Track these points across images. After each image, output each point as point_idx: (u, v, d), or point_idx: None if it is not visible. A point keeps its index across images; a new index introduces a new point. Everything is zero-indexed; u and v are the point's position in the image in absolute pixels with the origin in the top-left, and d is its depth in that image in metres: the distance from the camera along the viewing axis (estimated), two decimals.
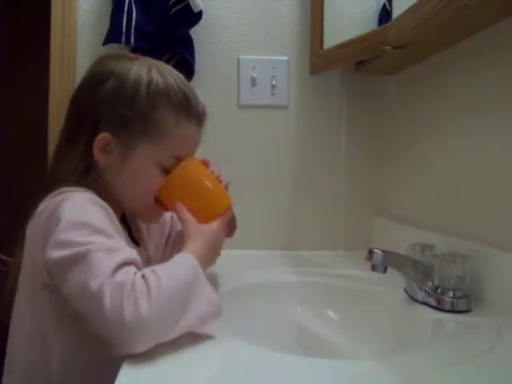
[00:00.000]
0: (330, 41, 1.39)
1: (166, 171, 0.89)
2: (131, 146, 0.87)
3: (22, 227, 0.86)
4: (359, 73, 1.42)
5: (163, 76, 0.89)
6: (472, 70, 1.01)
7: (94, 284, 0.64)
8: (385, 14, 1.26)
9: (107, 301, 0.62)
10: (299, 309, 1.07)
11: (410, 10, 0.99)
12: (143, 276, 0.65)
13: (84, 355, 0.81)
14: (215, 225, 0.87)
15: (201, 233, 0.84)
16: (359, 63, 1.37)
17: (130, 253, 0.71)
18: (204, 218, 0.87)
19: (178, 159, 0.90)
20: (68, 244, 0.70)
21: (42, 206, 0.81)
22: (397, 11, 1.11)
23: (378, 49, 1.14)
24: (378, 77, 1.46)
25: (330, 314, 1.05)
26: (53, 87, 1.47)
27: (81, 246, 0.68)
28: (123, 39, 1.36)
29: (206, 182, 0.93)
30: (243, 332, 0.78)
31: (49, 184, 0.86)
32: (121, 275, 0.65)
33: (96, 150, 0.87)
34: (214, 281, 1.01)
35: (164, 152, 0.89)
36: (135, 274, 0.66)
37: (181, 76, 0.94)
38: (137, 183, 0.90)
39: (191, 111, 0.90)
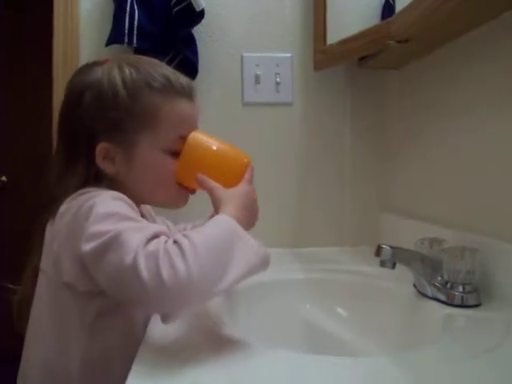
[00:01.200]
0: (333, 36, 1.38)
1: (177, 154, 0.89)
2: (131, 144, 0.87)
3: (35, 234, 0.89)
4: (363, 68, 1.41)
5: (136, 67, 0.89)
6: (476, 64, 1.01)
7: (128, 259, 0.64)
8: (388, 8, 1.25)
9: (143, 271, 0.62)
10: (308, 306, 1.07)
11: (414, 4, 0.98)
12: (175, 241, 0.65)
13: (104, 355, 0.82)
14: (242, 184, 0.86)
15: (230, 195, 0.83)
16: (362, 58, 1.37)
17: (159, 228, 0.72)
18: (228, 183, 0.86)
19: (183, 138, 0.89)
20: (99, 234, 0.70)
21: (64, 207, 0.82)
22: (400, 5, 1.11)
23: (381, 43, 1.14)
24: (381, 71, 1.46)
25: (339, 310, 1.05)
26: (56, 88, 1.47)
27: (110, 232, 0.69)
28: (126, 40, 1.36)
29: (217, 147, 0.91)
30: (252, 330, 0.78)
31: (54, 202, 0.86)
32: (152, 245, 0.65)
33: (100, 162, 0.87)
34: None
35: (165, 136, 0.88)
36: (166, 241, 0.66)
37: (154, 60, 0.94)
38: (151, 177, 0.90)
39: (175, 88, 0.90)
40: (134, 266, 0.63)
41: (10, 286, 0.93)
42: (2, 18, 2.87)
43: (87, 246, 0.71)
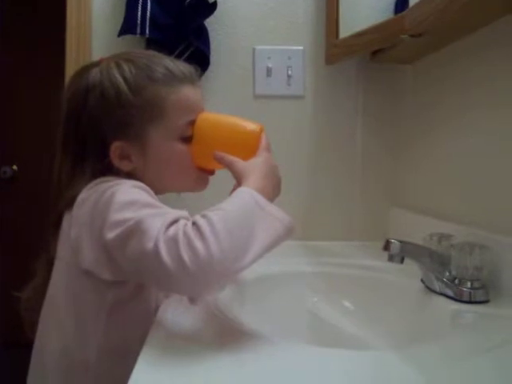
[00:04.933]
0: (346, 30, 1.38)
1: (189, 140, 0.89)
2: (143, 138, 0.88)
3: (49, 225, 0.90)
4: (375, 62, 1.41)
5: (133, 62, 0.89)
6: (491, 60, 1.00)
7: (150, 245, 0.65)
8: (401, 2, 1.24)
9: (165, 255, 0.63)
10: (315, 299, 1.07)
11: None
12: (194, 223, 0.66)
13: (121, 343, 0.83)
14: (259, 154, 0.85)
15: (249, 167, 0.82)
16: (375, 52, 1.36)
17: (179, 212, 0.72)
18: (246, 155, 0.85)
19: (193, 123, 0.90)
20: (121, 222, 0.71)
21: (83, 195, 0.83)
22: None
23: (395, 37, 1.13)
24: (394, 66, 1.45)
25: (346, 304, 1.05)
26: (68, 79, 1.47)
27: (132, 220, 0.70)
28: (138, 30, 1.36)
29: (228, 122, 0.92)
30: (260, 321, 0.78)
31: (64, 201, 0.87)
32: (172, 230, 0.66)
33: (116, 161, 0.88)
34: None
35: (175, 124, 0.89)
36: (185, 224, 0.66)
37: (150, 52, 0.95)
38: (169, 166, 0.91)
39: (177, 76, 0.90)
40: (156, 252, 0.64)
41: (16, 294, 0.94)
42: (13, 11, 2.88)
43: (110, 234, 0.72)
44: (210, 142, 0.89)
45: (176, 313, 0.77)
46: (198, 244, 0.62)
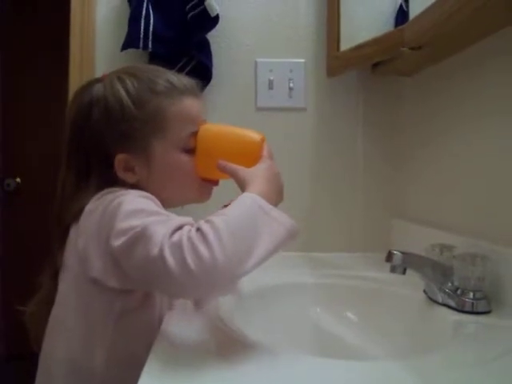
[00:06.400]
0: (347, 43, 1.39)
1: (192, 151, 0.91)
2: (146, 151, 0.89)
3: (54, 236, 0.91)
4: (376, 74, 1.41)
5: (135, 76, 0.91)
6: (489, 72, 1.01)
7: (155, 251, 0.66)
8: (401, 15, 1.26)
9: (170, 260, 0.64)
10: (318, 310, 1.07)
11: (428, 11, 0.99)
12: (198, 228, 0.67)
13: (128, 351, 0.84)
14: (262, 161, 0.86)
15: (252, 174, 0.83)
16: (376, 65, 1.37)
17: (184, 219, 0.73)
18: (249, 164, 0.86)
19: (195, 134, 0.91)
20: (127, 230, 0.72)
21: (90, 206, 0.84)
22: (413, 12, 1.11)
23: (395, 50, 1.14)
24: (394, 78, 1.46)
25: (349, 315, 1.05)
26: (71, 92, 1.47)
27: (138, 227, 0.71)
28: (141, 44, 1.37)
29: (230, 132, 0.93)
30: (262, 332, 0.79)
31: (70, 214, 0.88)
32: (176, 235, 0.67)
33: (121, 173, 0.89)
34: None
35: (177, 136, 0.90)
36: (189, 230, 0.67)
37: (151, 66, 0.97)
38: (172, 178, 0.92)
39: (178, 89, 0.91)
40: (161, 258, 0.65)
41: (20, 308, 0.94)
42: (13, 11, 2.90)
43: (117, 242, 0.73)
44: (213, 153, 0.90)
45: (180, 324, 0.78)
46: (202, 248, 0.64)
